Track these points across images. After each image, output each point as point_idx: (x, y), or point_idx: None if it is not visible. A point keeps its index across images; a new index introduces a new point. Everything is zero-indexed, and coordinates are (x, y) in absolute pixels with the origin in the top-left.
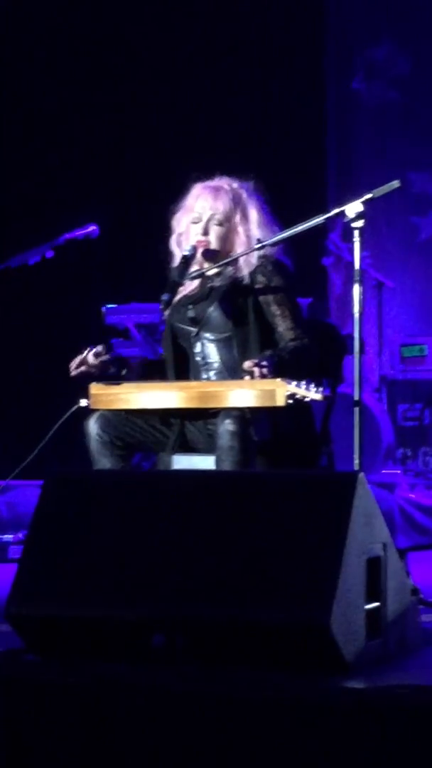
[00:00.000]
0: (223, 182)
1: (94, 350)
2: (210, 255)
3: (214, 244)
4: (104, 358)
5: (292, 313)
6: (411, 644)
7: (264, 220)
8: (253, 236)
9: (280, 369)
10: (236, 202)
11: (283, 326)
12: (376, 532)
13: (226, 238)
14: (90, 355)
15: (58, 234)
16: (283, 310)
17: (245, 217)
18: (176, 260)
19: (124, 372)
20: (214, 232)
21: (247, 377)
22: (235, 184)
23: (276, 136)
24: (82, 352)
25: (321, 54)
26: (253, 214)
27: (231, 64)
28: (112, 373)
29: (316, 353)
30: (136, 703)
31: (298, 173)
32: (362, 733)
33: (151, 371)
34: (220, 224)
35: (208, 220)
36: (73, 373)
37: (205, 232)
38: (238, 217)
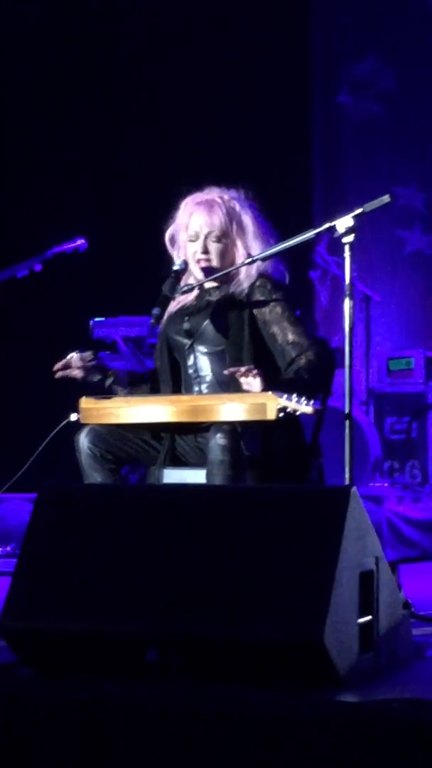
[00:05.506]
0: (215, 194)
1: (80, 354)
2: (212, 273)
3: (215, 262)
4: (89, 363)
5: (294, 329)
6: (403, 658)
7: (260, 230)
8: (252, 247)
9: (295, 389)
10: (231, 215)
11: (284, 343)
12: (368, 545)
13: (226, 253)
14: (76, 357)
15: (46, 247)
16: (284, 331)
17: (241, 229)
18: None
19: (108, 382)
20: (214, 249)
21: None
22: (227, 195)
23: (262, 149)
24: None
25: (307, 68)
26: (249, 224)
27: (217, 78)
28: (97, 381)
29: (325, 360)
30: (130, 719)
31: (284, 187)
32: (355, 747)
33: (137, 382)
34: (218, 240)
35: (206, 238)
36: (57, 375)
37: (205, 250)
38: (234, 231)
